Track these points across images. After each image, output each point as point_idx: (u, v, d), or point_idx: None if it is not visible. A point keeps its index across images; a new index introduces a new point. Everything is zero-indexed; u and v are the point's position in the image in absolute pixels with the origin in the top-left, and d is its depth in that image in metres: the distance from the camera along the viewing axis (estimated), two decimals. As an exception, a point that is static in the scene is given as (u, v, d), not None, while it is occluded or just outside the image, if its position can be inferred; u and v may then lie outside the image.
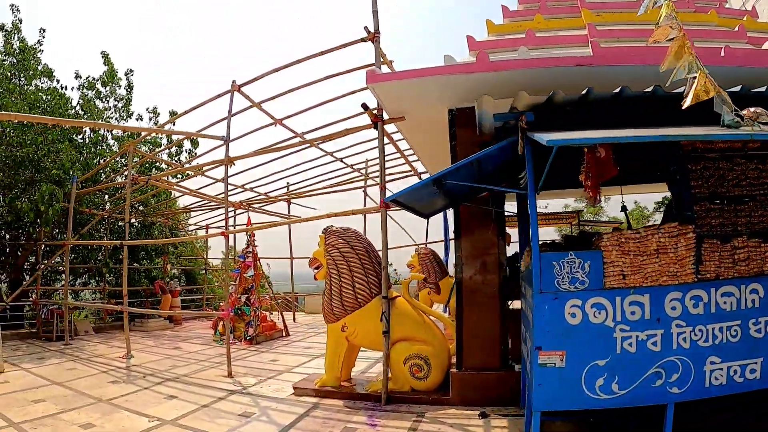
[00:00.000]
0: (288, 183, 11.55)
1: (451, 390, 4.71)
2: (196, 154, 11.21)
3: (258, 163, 10.01)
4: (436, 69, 4.59)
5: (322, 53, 5.88)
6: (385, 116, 5.26)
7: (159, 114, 12.72)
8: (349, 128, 5.64)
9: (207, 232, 13.26)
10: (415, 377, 4.82)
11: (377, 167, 10.93)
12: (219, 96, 6.50)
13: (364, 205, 11.48)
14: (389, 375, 4.84)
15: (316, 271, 5.35)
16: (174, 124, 11.43)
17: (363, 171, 11.15)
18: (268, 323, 9.11)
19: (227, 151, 6.32)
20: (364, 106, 5.16)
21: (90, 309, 12.35)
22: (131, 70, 12.70)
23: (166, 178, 9.35)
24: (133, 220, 11.96)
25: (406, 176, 10.85)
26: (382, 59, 5.30)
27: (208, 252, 15.23)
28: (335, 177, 11.26)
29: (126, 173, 9.02)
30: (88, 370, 6.42)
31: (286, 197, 11.63)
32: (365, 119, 6.91)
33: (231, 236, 13.76)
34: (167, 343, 9.01)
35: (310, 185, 11.46)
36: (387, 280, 4.97)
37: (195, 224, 14.67)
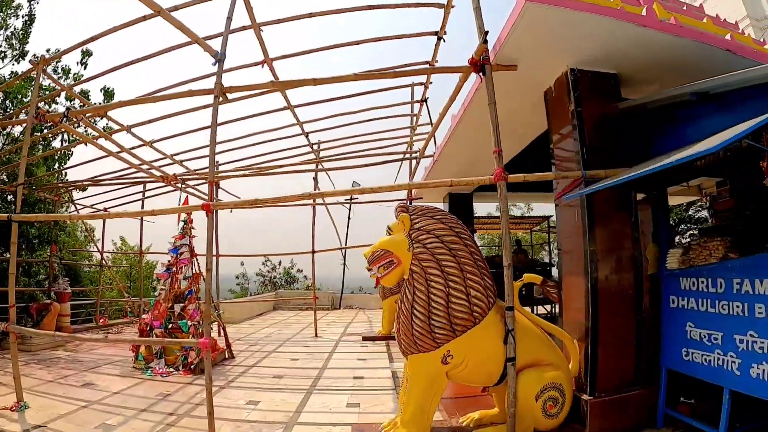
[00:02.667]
0: (218, 162, 9.03)
1: (588, 422, 3.60)
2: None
3: (184, 129, 7.56)
4: (604, 8, 3.49)
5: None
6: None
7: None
8: (438, 67, 4.07)
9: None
10: (547, 415, 3.48)
11: (344, 148, 9.53)
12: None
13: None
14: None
15: (385, 271, 3.57)
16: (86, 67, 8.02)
17: (316, 150, 9.28)
18: (210, 342, 6.62)
19: (219, 76, 4.12)
20: (485, 38, 3.69)
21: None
22: None
23: (94, 121, 6.25)
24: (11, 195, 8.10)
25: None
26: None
27: (97, 243, 11.22)
28: (280, 157, 9.17)
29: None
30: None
31: (215, 177, 9.05)
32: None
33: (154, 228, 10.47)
34: (69, 374, 5.95)
35: (247, 165, 9.12)
36: (512, 281, 3.54)
37: (91, 205, 10.65)
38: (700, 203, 12.91)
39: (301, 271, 21.22)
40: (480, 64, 3.86)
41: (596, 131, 4.01)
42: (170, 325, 6.22)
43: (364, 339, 8.89)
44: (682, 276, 3.63)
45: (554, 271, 10.61)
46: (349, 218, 17.58)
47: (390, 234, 3.72)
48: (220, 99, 4.07)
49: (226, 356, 6.93)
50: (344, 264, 17.37)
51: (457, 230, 3.58)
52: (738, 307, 3.15)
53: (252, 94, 5.76)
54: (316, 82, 4.05)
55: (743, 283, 3.13)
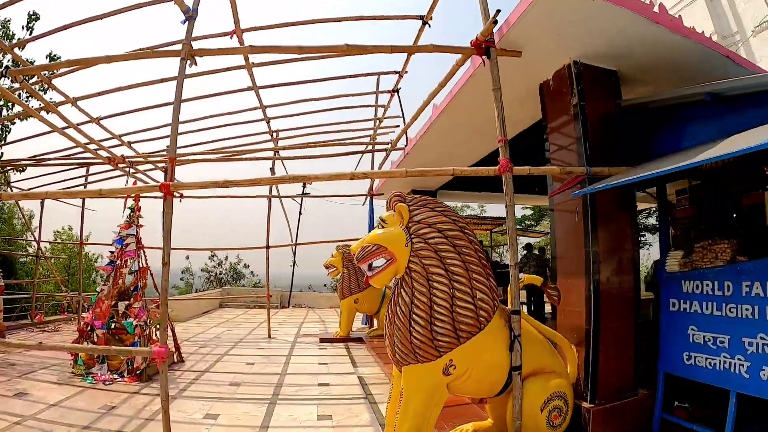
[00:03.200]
0: (166, 146, 8.18)
1: (590, 431, 3.40)
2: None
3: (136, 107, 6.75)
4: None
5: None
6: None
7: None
8: (439, 45, 3.70)
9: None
10: (551, 426, 3.22)
11: (304, 138, 8.97)
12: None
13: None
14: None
15: (377, 269, 3.09)
16: None
17: (275, 138, 8.66)
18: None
19: (189, 34, 3.52)
20: (495, 18, 3.38)
21: None
22: None
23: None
24: None
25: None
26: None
27: (34, 231, 9.79)
28: (237, 144, 8.48)
29: None
30: None
31: (176, 156, 8.14)
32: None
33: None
34: (0, 380, 5.08)
35: (203, 150, 8.34)
36: (518, 281, 3.27)
37: (29, 189, 9.18)
38: (647, 210, 13.54)
39: (248, 266, 20.31)
40: (484, 46, 3.56)
41: (599, 127, 3.85)
42: (113, 326, 5.47)
43: (322, 341, 8.43)
44: (684, 279, 3.54)
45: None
46: (300, 213, 16.92)
47: (384, 227, 3.29)
48: (188, 63, 3.49)
49: (175, 359, 6.24)
50: (294, 261, 16.71)
51: (461, 225, 3.23)
52: (748, 310, 3.09)
53: (219, 69, 5.20)
54: (301, 50, 3.56)
55: (753, 286, 3.07)
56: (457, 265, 3.07)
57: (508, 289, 3.48)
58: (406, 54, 6.25)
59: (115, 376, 5.21)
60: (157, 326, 6.02)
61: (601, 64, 4.03)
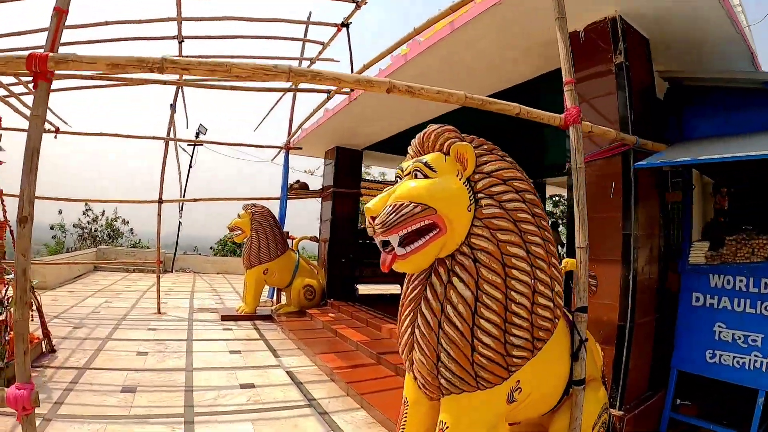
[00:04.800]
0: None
1: (624, 445, 3.00)
2: None
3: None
4: None
5: None
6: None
7: None
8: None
9: None
10: (599, 445, 2.71)
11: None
12: None
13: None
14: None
15: (416, 243, 1.97)
16: None
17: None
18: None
19: None
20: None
21: None
22: None
23: None
24: None
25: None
26: None
27: None
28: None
29: None
30: None
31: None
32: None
33: None
34: None
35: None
36: (586, 266, 2.58)
37: None
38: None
39: (127, 223, 17.39)
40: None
41: (641, 95, 3.36)
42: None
43: (224, 318, 7.10)
44: (712, 272, 3.27)
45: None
46: (190, 166, 14.70)
47: (427, 176, 2.06)
48: None
49: (44, 349, 4.55)
50: (180, 220, 14.54)
51: (532, 186, 2.27)
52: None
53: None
54: None
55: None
56: (538, 244, 2.12)
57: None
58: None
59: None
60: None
61: (638, 27, 3.51)
